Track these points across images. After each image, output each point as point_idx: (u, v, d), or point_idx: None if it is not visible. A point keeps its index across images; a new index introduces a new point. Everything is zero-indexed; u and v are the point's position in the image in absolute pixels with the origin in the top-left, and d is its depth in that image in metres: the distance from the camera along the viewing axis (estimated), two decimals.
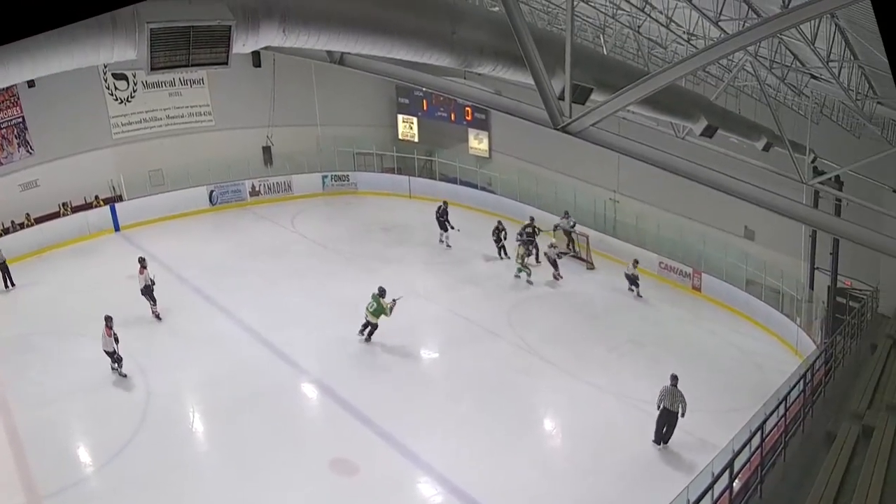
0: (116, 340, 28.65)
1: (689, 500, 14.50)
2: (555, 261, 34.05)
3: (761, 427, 18.27)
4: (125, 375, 27.53)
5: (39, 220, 43.54)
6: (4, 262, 39.36)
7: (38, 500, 23.49)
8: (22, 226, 42.85)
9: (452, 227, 35.87)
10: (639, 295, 32.40)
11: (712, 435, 22.59)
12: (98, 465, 25.21)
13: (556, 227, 37.73)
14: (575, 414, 26.11)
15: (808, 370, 22.97)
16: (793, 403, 20.44)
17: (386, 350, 30.06)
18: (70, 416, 28.38)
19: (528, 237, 33.32)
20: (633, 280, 32.61)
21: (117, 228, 44.98)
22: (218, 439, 26.93)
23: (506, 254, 36.08)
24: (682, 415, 23.22)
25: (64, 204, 44.48)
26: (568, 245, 37.30)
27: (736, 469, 15.96)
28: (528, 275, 29.69)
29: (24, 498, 23.55)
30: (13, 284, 39.30)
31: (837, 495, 15.11)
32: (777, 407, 19.92)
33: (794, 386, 21.35)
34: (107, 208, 45.08)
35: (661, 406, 23.46)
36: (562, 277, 33.89)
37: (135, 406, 28.17)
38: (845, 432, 18.73)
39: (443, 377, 29.21)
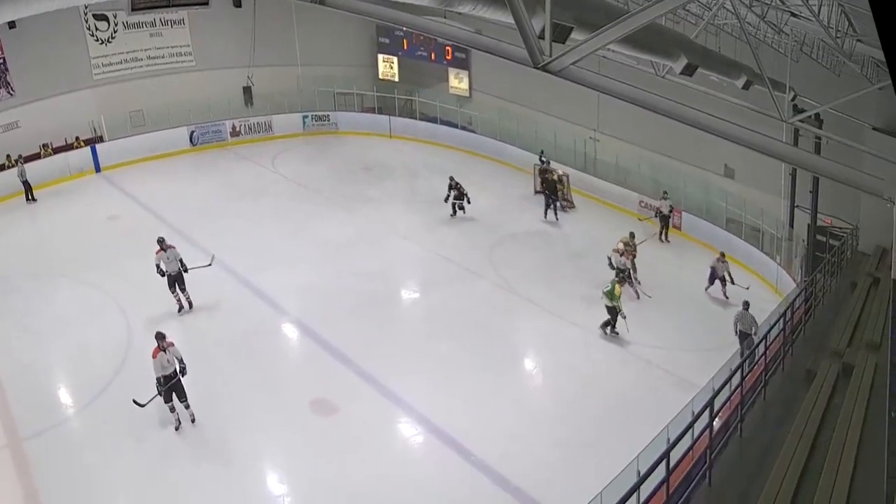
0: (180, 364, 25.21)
1: (668, 439, 14.30)
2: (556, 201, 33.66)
3: (741, 366, 18.13)
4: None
5: (24, 160, 42.72)
6: (27, 179, 40.17)
7: (18, 442, 23.37)
8: (3, 167, 42.67)
9: (467, 200, 34.07)
10: (725, 296, 29.41)
11: (692, 374, 22.55)
12: (79, 406, 25.11)
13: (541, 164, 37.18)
14: (556, 353, 25.95)
15: (787, 308, 22.77)
16: (773, 342, 20.35)
17: (367, 291, 29.89)
18: (51, 357, 28.15)
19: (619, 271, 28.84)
20: (721, 278, 29.18)
21: (98, 169, 44.85)
22: (198, 379, 25.72)
23: (462, 209, 34.97)
24: (755, 333, 23.14)
25: (44, 145, 44.29)
26: (549, 188, 35.89)
27: (716, 408, 15.94)
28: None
29: (5, 438, 23.49)
30: (31, 199, 40.13)
31: (817, 433, 15.09)
32: (757, 345, 19.92)
33: (774, 324, 21.30)
34: (88, 149, 44.91)
35: (738, 330, 23.65)
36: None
37: (116, 346, 27.85)
38: (825, 370, 18.74)
39: (424, 317, 29.20)
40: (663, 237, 34.64)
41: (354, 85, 47.26)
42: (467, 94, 44.39)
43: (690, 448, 15.12)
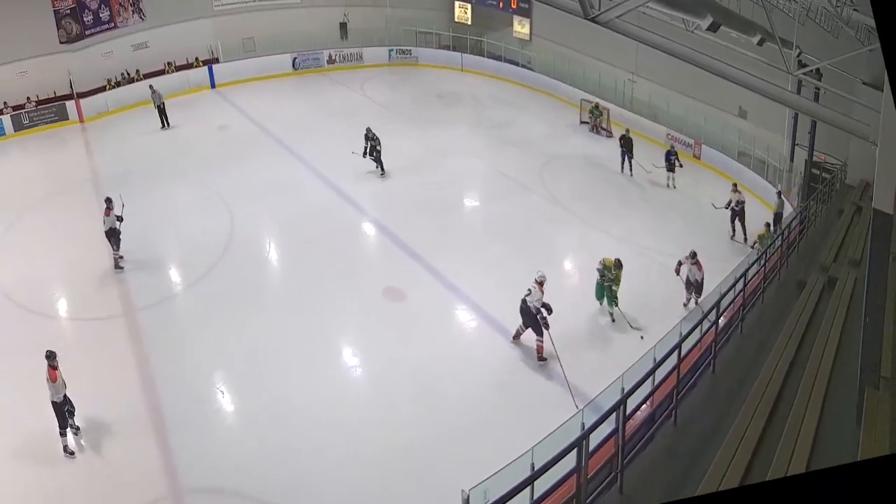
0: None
1: (681, 333, 14.61)
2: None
3: (744, 274, 18.63)
4: None
5: (148, 76, 44.47)
6: (163, 104, 40.61)
7: (133, 312, 24.92)
8: (132, 80, 44.38)
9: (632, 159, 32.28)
10: (743, 230, 28.91)
11: (705, 280, 22.90)
12: (185, 286, 26.86)
13: (591, 108, 37.39)
14: (591, 257, 25.40)
15: (785, 228, 23.56)
16: (771, 256, 20.97)
17: (434, 198, 30.56)
18: (164, 242, 29.97)
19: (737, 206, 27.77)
20: (777, 219, 28.63)
21: (213, 86, 46.17)
22: (289, 266, 28.57)
23: (381, 168, 33.56)
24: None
25: (169, 63, 45.66)
26: (595, 120, 36.93)
27: (722, 308, 16.25)
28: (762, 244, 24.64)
29: (122, 308, 25.12)
30: (166, 125, 40.72)
31: (805, 332, 15.65)
32: (758, 258, 20.36)
33: (774, 240, 22.08)
34: (205, 69, 46.34)
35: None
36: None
37: (220, 236, 29.42)
38: (814, 281, 19.38)
39: (481, 223, 29.83)
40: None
41: (433, 26, 47.41)
42: (528, 38, 44.26)
43: (699, 341, 15.46)
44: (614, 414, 11.52)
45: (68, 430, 19.12)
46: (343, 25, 45.46)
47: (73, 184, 34.62)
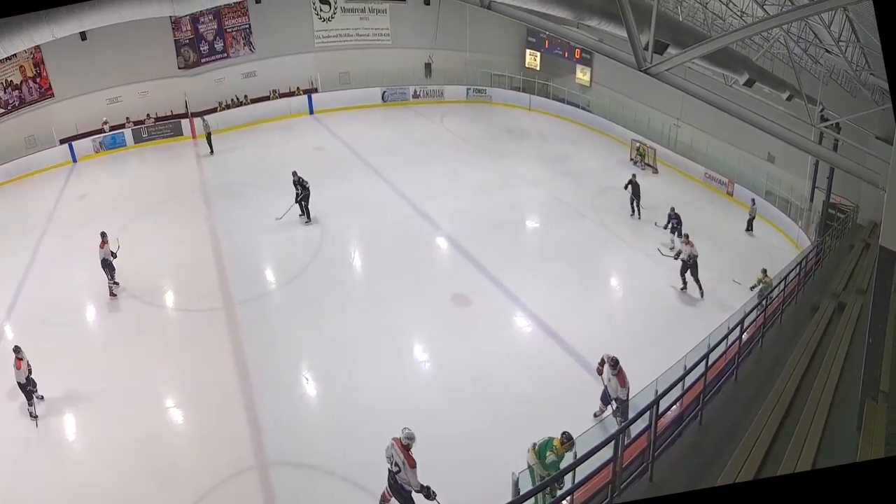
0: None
1: (709, 345, 14.85)
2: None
3: (766, 296, 19.18)
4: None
5: (255, 101, 46.10)
6: (210, 133, 41.83)
7: (232, 305, 26.04)
8: (241, 103, 45.87)
9: (638, 203, 31.84)
10: (750, 228, 31.31)
11: (731, 299, 23.34)
12: (279, 284, 27.89)
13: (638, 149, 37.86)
14: (633, 277, 27.24)
15: (803, 259, 23.69)
16: (790, 282, 21.16)
17: (500, 219, 30.98)
18: (263, 245, 30.91)
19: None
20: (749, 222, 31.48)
21: (311, 112, 47.13)
22: (370, 272, 28.98)
23: (307, 216, 32.45)
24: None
25: (273, 90, 46.95)
26: (641, 158, 37.42)
27: (745, 325, 16.52)
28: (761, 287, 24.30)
29: (222, 302, 26.31)
30: (212, 152, 41.53)
31: (816, 349, 15.89)
32: (779, 283, 20.81)
33: (793, 269, 22.01)
34: (305, 97, 47.33)
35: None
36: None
37: (312, 242, 30.52)
38: (826, 306, 19.66)
39: (540, 242, 30.17)
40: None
41: (506, 69, 47.89)
42: (588, 85, 44.55)
43: (724, 353, 15.65)
44: (648, 413, 11.83)
45: (33, 400, 20.73)
46: (428, 66, 46.22)
47: (183, 192, 35.78)
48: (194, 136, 44.30)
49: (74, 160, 42.77)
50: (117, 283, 27.63)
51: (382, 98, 48.24)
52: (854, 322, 17.41)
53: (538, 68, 47.58)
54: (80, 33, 40.49)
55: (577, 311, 24.46)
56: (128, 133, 44.23)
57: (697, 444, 13.05)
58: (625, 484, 11.65)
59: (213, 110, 45.89)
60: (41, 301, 27.46)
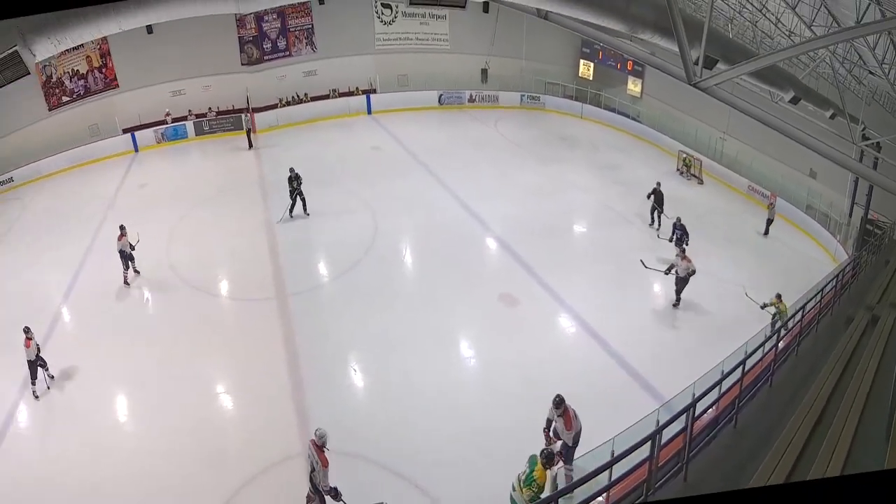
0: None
1: (746, 351, 15.13)
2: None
3: (803, 307, 19.47)
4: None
5: (314, 99, 47.27)
6: (250, 129, 43.19)
7: (285, 296, 26.87)
8: (301, 101, 46.97)
9: (662, 213, 31.82)
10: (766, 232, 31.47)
11: (770, 309, 22.97)
12: (331, 278, 28.59)
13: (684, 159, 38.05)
14: (669, 279, 26.23)
15: (840, 272, 23.71)
16: (827, 294, 21.05)
17: (549, 223, 31.54)
18: (317, 239, 31.87)
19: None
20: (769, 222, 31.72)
21: (369, 112, 48.22)
22: (420, 268, 29.84)
23: (304, 209, 33.61)
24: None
25: (333, 90, 48.03)
26: (687, 168, 37.57)
27: (782, 334, 17.14)
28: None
29: (276, 293, 27.14)
30: (251, 146, 43.46)
31: (849, 359, 15.77)
32: (816, 295, 20.67)
33: (829, 282, 22.01)
34: (364, 97, 48.43)
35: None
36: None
37: (364, 238, 31.10)
38: (860, 318, 19.42)
39: (587, 246, 30.63)
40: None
41: (560, 78, 48.30)
42: (639, 96, 45.05)
43: (760, 359, 16.03)
44: (685, 415, 12.09)
45: (38, 377, 21.87)
46: (484, 71, 46.70)
47: (241, 184, 36.71)
48: (254, 131, 45.13)
49: (136, 149, 44.26)
50: (138, 272, 28.81)
51: (439, 101, 48.92)
52: (887, 334, 17.34)
53: (591, 78, 48.04)
54: (147, 26, 41.59)
55: (620, 316, 24.74)
56: (189, 125, 45.68)
57: (732, 447, 13.25)
58: (660, 483, 11.95)
59: (274, 106, 47.19)
60: (98, 287, 28.41)
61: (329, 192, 35.55)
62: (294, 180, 33.20)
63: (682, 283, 25.13)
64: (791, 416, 12.73)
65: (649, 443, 11.17)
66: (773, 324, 21.55)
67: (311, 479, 16.04)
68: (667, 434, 11.82)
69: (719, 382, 13.46)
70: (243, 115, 44.84)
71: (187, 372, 22.18)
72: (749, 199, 33.72)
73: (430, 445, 18.64)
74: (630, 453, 10.98)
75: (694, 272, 24.88)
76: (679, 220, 29.14)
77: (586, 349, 23.17)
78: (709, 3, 19.45)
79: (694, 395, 12.62)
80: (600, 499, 11.22)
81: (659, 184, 31.18)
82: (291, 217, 33.20)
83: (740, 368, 13.97)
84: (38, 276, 29.97)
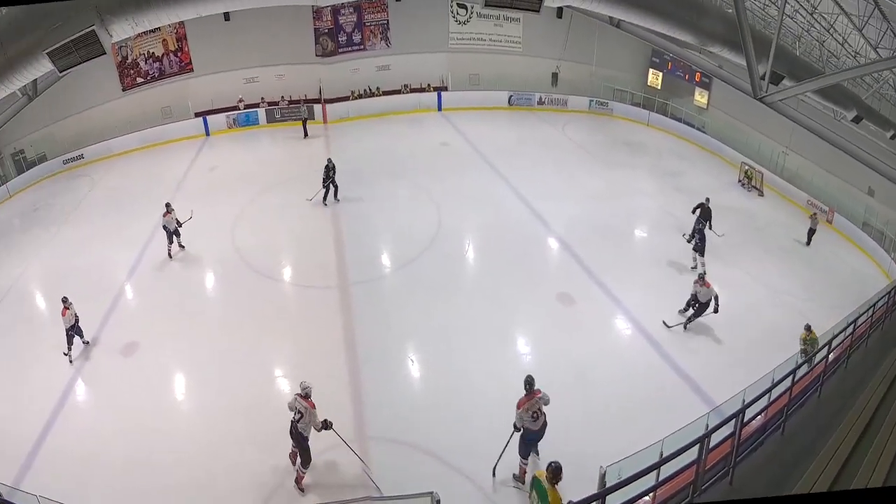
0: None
1: (797, 361, 15.78)
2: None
3: (854, 322, 18.97)
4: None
5: (386, 93, 48.25)
6: (306, 119, 44.27)
7: (347, 286, 27.40)
8: (373, 94, 47.88)
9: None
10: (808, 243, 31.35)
11: (822, 321, 22.68)
12: (394, 269, 29.10)
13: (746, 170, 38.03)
14: (731, 291, 26.51)
15: (893, 288, 23.54)
16: (878, 309, 21.14)
17: (610, 225, 31.88)
18: (381, 231, 32.29)
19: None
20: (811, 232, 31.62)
21: (440, 109, 48.90)
22: (481, 264, 30.00)
23: (336, 197, 35.18)
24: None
25: (405, 85, 48.93)
26: (749, 180, 37.61)
27: (833, 346, 16.72)
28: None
29: (338, 281, 27.72)
30: (306, 135, 45.00)
31: None
32: (867, 310, 20.60)
33: (882, 297, 22.11)
34: (435, 94, 49.13)
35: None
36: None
37: (428, 231, 31.79)
38: None
39: (647, 251, 30.60)
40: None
41: (629, 86, 48.51)
42: (705, 107, 45.15)
43: (810, 370, 16.00)
44: (734, 420, 12.18)
45: (73, 345, 23.33)
46: (554, 75, 45.97)
47: (308, 173, 36.83)
48: (325, 121, 46.53)
49: (207, 133, 45.84)
50: (182, 247, 30.23)
51: (508, 101, 49.39)
52: None
53: (659, 87, 48.31)
54: (224, 14, 42.98)
55: (675, 320, 24.82)
56: (261, 112, 46.86)
57: (778, 454, 13.32)
58: (706, 485, 12.09)
59: (346, 98, 48.26)
60: (162, 266, 29.49)
61: (397, 185, 36.51)
62: (330, 170, 34.22)
63: (702, 308, 24.54)
64: (838, 426, 12.94)
65: (697, 446, 11.40)
66: (803, 351, 21.44)
67: (291, 430, 17.61)
68: (715, 438, 11.97)
69: (769, 390, 13.63)
70: (301, 105, 46.19)
71: (246, 354, 22.76)
72: (807, 212, 33.65)
73: (483, 439, 18.77)
74: (679, 455, 11.29)
75: (716, 297, 24.19)
76: (698, 220, 29.42)
77: (640, 351, 23.56)
78: (778, 21, 20.53)
79: (744, 401, 12.93)
80: (646, 498, 11.36)
81: (708, 199, 30.46)
82: (325, 204, 34.21)
83: (790, 378, 14.27)
84: (103, 252, 31.01)
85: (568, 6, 22.63)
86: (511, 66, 49.70)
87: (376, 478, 17.86)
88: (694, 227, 29.41)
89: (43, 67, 20.49)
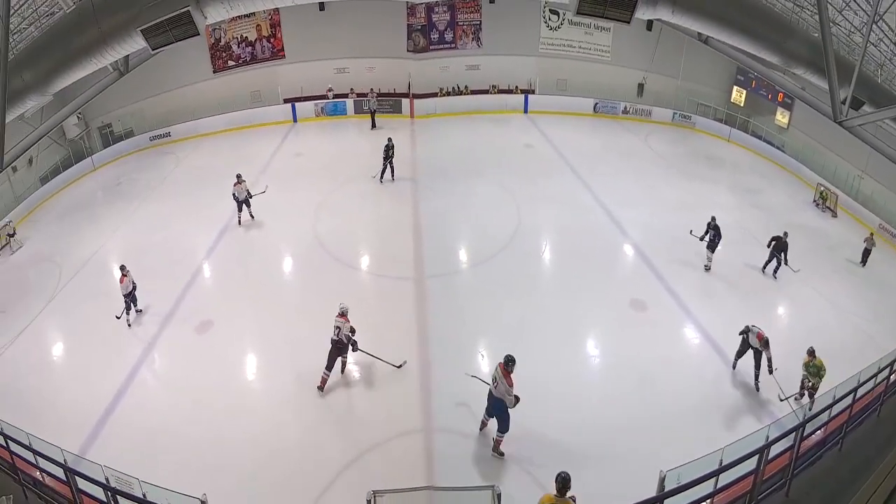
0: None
1: (859, 380, 15.15)
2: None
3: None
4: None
5: (474, 92, 49.03)
6: (374, 111, 45.12)
7: (423, 278, 27.81)
8: (461, 93, 48.78)
9: (786, 264, 30.20)
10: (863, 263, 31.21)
11: (887, 342, 23.66)
12: (470, 265, 29.49)
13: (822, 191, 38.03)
14: (799, 308, 27.13)
15: None
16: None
17: (685, 236, 30.99)
18: (460, 227, 32.87)
19: None
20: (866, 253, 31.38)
21: (526, 111, 49.67)
22: (557, 265, 30.33)
23: (392, 176, 37.09)
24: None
25: (493, 86, 49.62)
26: (823, 201, 37.68)
27: (894, 367, 16.87)
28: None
29: (414, 273, 28.22)
30: (374, 127, 46.10)
31: None
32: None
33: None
34: (522, 96, 49.89)
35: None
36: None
37: (507, 228, 32.31)
38: None
39: (721, 263, 29.84)
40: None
41: (713, 101, 48.51)
42: (786, 127, 45.06)
43: (871, 389, 15.89)
44: (794, 433, 12.50)
45: (131, 311, 24.93)
46: (640, 86, 47.50)
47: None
48: (412, 116, 47.52)
49: (295, 120, 47.11)
50: (252, 217, 31.83)
51: (594, 109, 49.78)
52: None
53: (742, 104, 48.29)
54: (319, 3, 44.75)
55: (737, 328, 23.77)
56: (349, 103, 48.04)
57: (835, 469, 13.57)
58: (762, 495, 12.37)
59: (434, 94, 49.22)
60: (241, 246, 30.35)
61: (479, 183, 37.11)
62: (389, 149, 35.60)
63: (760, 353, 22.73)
64: (894, 446, 13.09)
65: (756, 456, 11.73)
66: (802, 384, 21.61)
67: (334, 345, 20.88)
68: (774, 450, 12.25)
69: (830, 406, 14.06)
70: (369, 96, 47.07)
71: (319, 339, 22.39)
72: (878, 237, 33.59)
73: (547, 436, 19.49)
74: (738, 464, 11.68)
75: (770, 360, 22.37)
76: (713, 219, 29.59)
77: (707, 359, 23.88)
78: (862, 48, 21.03)
79: (805, 415, 13.49)
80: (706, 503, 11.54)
81: (786, 234, 29.80)
82: (381, 182, 35.62)
83: (851, 396, 14.54)
84: (184, 229, 32.18)
85: (658, 19, 23.67)
86: (598, 75, 49.95)
87: (436, 461, 18.82)
88: (767, 262, 29.76)
89: (136, 44, 20.95)
